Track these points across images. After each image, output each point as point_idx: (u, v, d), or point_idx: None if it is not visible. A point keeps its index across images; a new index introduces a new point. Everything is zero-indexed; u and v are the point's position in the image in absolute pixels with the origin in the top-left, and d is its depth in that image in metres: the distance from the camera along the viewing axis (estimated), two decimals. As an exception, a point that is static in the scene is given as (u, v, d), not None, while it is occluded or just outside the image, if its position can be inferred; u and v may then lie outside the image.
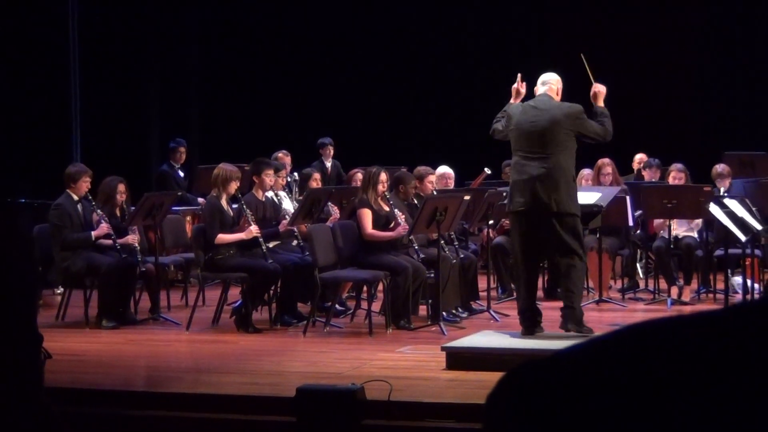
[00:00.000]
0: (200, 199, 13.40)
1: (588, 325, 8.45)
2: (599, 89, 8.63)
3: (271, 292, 10.01)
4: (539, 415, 0.97)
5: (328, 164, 14.61)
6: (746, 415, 0.92)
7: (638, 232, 11.77)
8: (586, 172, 11.67)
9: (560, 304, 8.68)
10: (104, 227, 9.95)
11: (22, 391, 1.69)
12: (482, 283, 10.91)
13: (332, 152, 14.72)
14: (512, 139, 8.40)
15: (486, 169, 13.12)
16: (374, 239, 9.75)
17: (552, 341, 8.06)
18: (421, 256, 9.88)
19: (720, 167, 11.86)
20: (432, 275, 9.75)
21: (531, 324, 8.36)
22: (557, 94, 8.49)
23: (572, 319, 8.30)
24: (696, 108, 15.53)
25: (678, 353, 0.96)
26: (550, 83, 8.49)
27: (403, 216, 9.81)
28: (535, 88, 8.56)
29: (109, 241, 10.01)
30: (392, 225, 9.81)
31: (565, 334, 8.34)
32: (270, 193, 10.42)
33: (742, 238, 9.98)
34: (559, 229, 8.19)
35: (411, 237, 9.82)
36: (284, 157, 12.76)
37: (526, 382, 1.00)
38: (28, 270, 1.79)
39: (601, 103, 8.57)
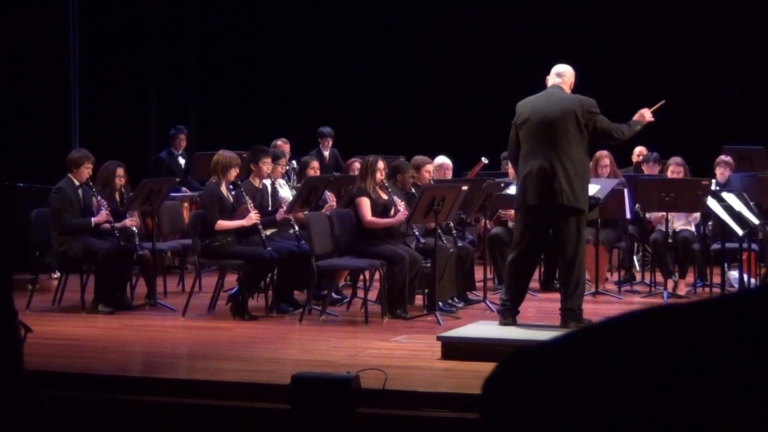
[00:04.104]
0: (184, 188, 13.37)
1: (585, 317, 8.44)
2: (646, 114, 8.58)
3: (268, 279, 10.01)
4: (536, 400, 0.97)
5: (326, 153, 14.56)
6: (737, 401, 0.91)
7: (635, 225, 11.74)
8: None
9: (556, 295, 8.67)
10: (104, 214, 9.96)
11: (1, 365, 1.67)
12: (479, 273, 10.90)
13: (331, 143, 14.67)
14: (523, 131, 8.26)
15: (483, 158, 13.10)
16: (374, 226, 9.74)
17: (547, 332, 8.06)
18: (422, 242, 9.86)
19: (726, 157, 11.85)
20: (429, 265, 9.75)
21: (513, 314, 8.35)
22: (569, 87, 8.42)
23: (573, 317, 8.25)
24: (695, 102, 15.51)
25: (671, 340, 0.96)
26: (563, 75, 8.42)
27: (403, 203, 9.80)
28: (547, 78, 8.48)
29: (107, 226, 10.01)
30: (392, 212, 9.81)
31: (558, 324, 8.33)
32: (268, 181, 10.41)
33: (740, 232, 9.98)
34: (563, 226, 8.13)
35: (412, 225, 9.80)
36: (283, 144, 12.75)
37: (522, 368, 1.00)
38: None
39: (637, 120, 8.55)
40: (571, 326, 8.12)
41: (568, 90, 8.40)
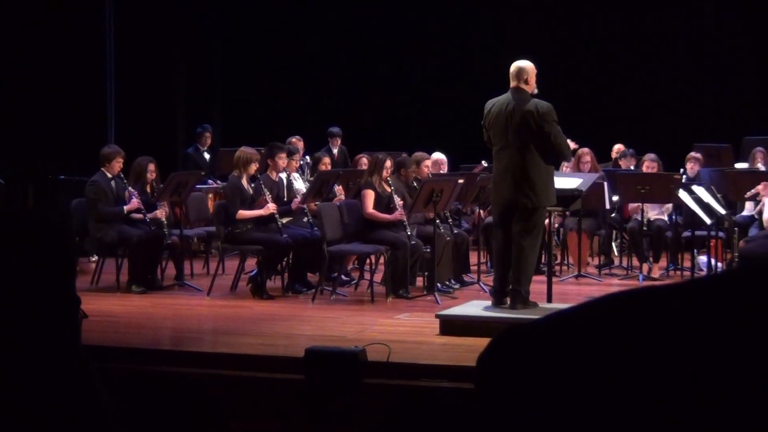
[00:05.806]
0: (209, 181, 13.35)
1: (568, 298, 8.39)
2: None
3: (284, 263, 10.03)
4: (526, 374, 0.98)
5: (335, 151, 14.51)
6: (707, 373, 0.92)
7: (614, 215, 11.75)
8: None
9: (544, 277, 8.65)
10: (135, 202, 9.98)
11: (63, 347, 1.71)
12: (473, 258, 10.91)
13: (339, 142, 14.62)
14: (492, 133, 7.99)
15: (483, 162, 13.05)
16: (373, 218, 9.75)
17: (536, 310, 8.04)
18: (413, 242, 9.78)
19: (696, 153, 11.90)
20: (428, 250, 9.76)
21: (501, 296, 8.20)
22: (528, 83, 7.93)
23: (519, 299, 8.00)
24: (668, 102, 15.48)
25: (648, 319, 0.97)
26: (522, 75, 7.93)
27: (402, 202, 9.78)
28: (511, 75, 8.02)
29: (140, 215, 10.04)
30: (392, 207, 9.81)
31: (546, 306, 8.26)
32: (283, 174, 10.43)
33: (708, 221, 9.99)
34: (525, 221, 7.89)
35: (404, 221, 9.71)
36: (297, 141, 12.75)
37: (514, 344, 1.01)
38: (67, 239, 1.79)
39: None
40: (519, 307, 7.93)
41: (530, 86, 7.93)
